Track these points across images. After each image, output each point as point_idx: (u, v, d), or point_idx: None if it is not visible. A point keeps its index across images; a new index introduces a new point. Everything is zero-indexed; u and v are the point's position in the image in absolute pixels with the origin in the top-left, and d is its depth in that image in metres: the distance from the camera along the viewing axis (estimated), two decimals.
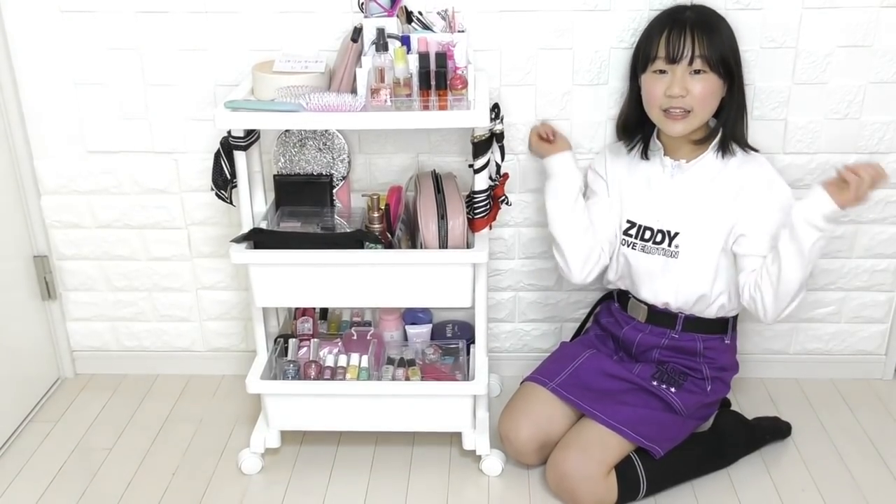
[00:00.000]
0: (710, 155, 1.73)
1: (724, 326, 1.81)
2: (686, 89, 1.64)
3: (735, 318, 1.84)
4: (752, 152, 1.75)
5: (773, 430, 1.91)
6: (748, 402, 2.05)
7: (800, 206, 1.59)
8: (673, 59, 1.64)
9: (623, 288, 1.87)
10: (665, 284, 1.77)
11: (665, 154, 1.76)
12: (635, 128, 1.81)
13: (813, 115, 1.90)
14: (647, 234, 1.77)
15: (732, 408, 1.97)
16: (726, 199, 1.71)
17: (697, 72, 1.64)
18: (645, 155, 1.79)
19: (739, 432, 1.86)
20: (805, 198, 1.59)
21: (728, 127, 1.71)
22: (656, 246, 1.76)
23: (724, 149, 1.72)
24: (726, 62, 1.65)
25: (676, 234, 1.74)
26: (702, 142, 1.73)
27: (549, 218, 1.82)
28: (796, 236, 1.58)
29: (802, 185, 1.95)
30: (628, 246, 1.79)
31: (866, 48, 1.84)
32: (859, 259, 2.04)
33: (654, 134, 1.78)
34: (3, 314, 1.96)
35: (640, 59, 1.72)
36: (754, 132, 1.88)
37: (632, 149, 1.82)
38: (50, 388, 2.15)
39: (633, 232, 1.78)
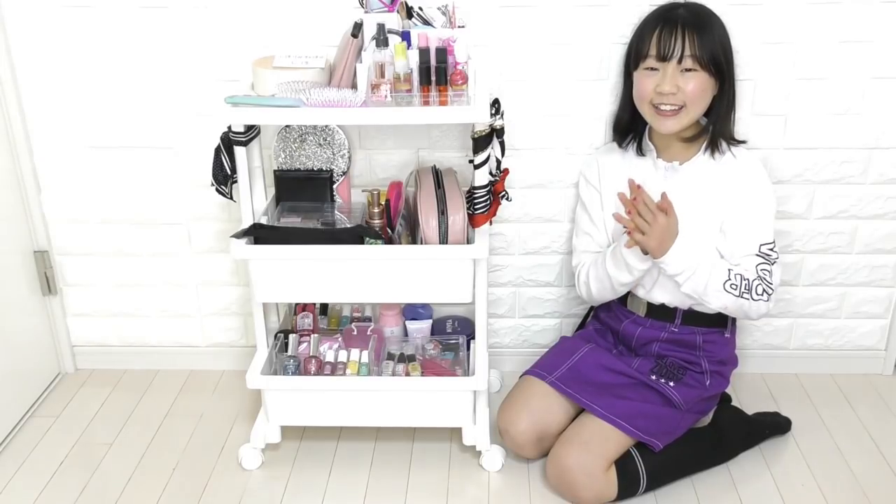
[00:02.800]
0: (701, 155, 1.73)
1: (723, 320, 1.81)
2: (676, 86, 1.64)
3: None
4: (742, 149, 1.75)
5: (773, 425, 1.91)
6: (748, 397, 2.05)
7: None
8: (663, 58, 1.64)
9: None
10: (663, 287, 1.77)
11: (657, 156, 1.76)
12: (629, 126, 1.81)
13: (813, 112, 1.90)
14: None
15: (732, 403, 1.98)
16: (718, 200, 1.71)
17: (688, 70, 1.64)
18: (640, 151, 1.79)
19: (739, 427, 1.86)
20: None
21: (718, 125, 1.71)
22: None
23: (713, 147, 1.72)
24: (717, 61, 1.65)
25: None
26: (692, 140, 1.73)
27: (609, 289, 1.79)
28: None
29: (802, 180, 1.95)
30: None
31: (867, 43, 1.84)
32: (859, 255, 2.04)
33: (647, 135, 1.78)
34: (3, 309, 1.96)
35: (633, 56, 1.72)
36: (755, 128, 1.89)
37: (626, 144, 1.81)
38: (50, 384, 2.15)
39: None
